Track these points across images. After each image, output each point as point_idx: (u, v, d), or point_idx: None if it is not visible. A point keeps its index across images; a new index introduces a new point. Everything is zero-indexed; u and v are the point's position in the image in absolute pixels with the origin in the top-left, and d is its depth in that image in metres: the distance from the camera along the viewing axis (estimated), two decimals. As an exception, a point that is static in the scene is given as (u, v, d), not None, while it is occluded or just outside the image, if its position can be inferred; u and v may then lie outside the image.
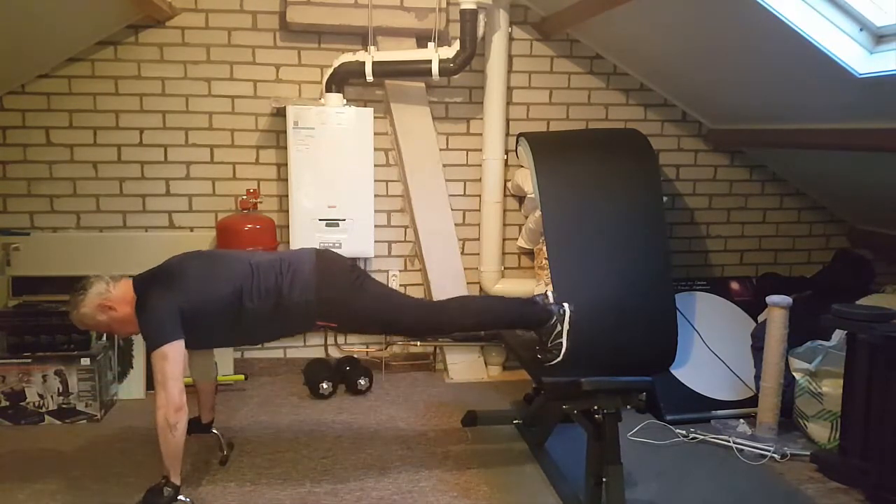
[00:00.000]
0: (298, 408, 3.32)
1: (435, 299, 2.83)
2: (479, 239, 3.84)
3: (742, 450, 2.90)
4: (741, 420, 3.18)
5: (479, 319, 2.70)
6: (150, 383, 3.41)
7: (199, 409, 2.74)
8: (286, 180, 3.45)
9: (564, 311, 2.58)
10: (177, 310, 2.27)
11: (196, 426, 2.70)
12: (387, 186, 3.75)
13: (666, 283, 3.27)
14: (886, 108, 2.70)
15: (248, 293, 2.35)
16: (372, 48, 3.44)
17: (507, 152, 3.74)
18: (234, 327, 2.40)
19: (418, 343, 3.78)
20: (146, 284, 2.36)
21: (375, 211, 3.52)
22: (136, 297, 2.34)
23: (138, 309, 2.32)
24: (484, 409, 3.17)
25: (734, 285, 3.82)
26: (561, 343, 2.57)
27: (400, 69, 3.50)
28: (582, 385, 2.31)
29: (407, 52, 3.50)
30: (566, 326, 2.57)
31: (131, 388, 3.40)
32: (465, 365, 3.78)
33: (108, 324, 2.40)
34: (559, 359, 2.57)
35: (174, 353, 2.24)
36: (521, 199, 3.82)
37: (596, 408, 2.32)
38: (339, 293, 2.43)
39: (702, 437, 3.01)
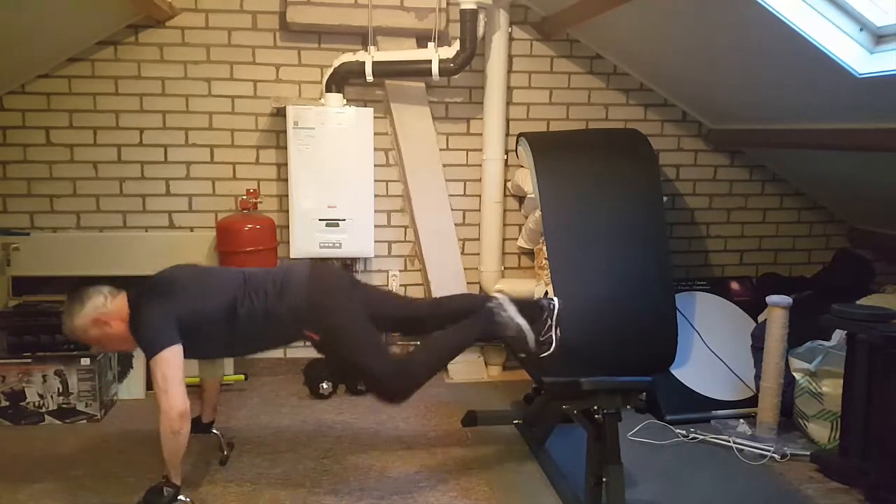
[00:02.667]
0: (298, 408, 3.32)
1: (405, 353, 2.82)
2: (479, 239, 3.84)
3: (742, 450, 2.90)
4: (741, 420, 3.18)
5: (443, 361, 2.71)
6: (151, 383, 3.42)
7: (201, 407, 2.75)
8: (286, 180, 3.45)
9: (554, 305, 2.67)
10: (173, 317, 2.26)
11: (196, 425, 2.69)
12: (387, 186, 3.75)
13: (666, 283, 3.27)
14: (886, 108, 2.70)
15: (240, 300, 2.35)
16: (372, 48, 3.44)
17: (507, 152, 3.74)
18: (228, 335, 2.40)
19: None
20: (140, 297, 2.34)
21: (375, 211, 3.52)
22: (130, 311, 2.32)
23: (133, 321, 2.30)
24: (484, 410, 3.17)
25: (734, 285, 3.82)
26: (551, 336, 2.65)
27: (400, 69, 3.50)
28: (582, 385, 2.32)
29: (407, 52, 3.50)
30: (555, 320, 2.66)
31: (131, 388, 3.40)
32: (465, 365, 3.78)
33: (99, 339, 2.37)
34: (551, 350, 2.64)
35: (173, 357, 2.22)
36: (521, 199, 3.82)
37: (596, 408, 2.32)
38: (327, 301, 2.40)
39: (702, 437, 3.01)
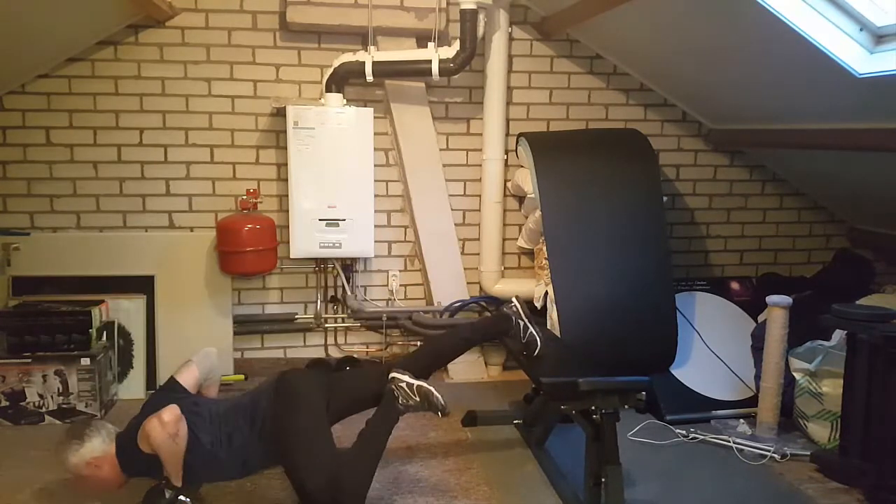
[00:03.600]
0: (298, 408, 3.31)
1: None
2: (479, 239, 3.84)
3: (742, 450, 2.90)
4: (741, 420, 3.18)
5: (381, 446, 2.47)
6: (151, 383, 3.43)
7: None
8: (286, 180, 3.45)
9: (516, 307, 2.71)
10: None
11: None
12: (387, 186, 3.75)
13: (666, 283, 3.27)
14: (886, 108, 2.70)
15: (218, 445, 2.33)
16: (372, 48, 3.44)
17: (507, 152, 3.74)
18: (209, 473, 2.39)
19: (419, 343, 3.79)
20: (127, 440, 2.33)
21: (375, 211, 3.52)
22: (117, 453, 2.31)
23: (120, 455, 2.30)
24: (484, 409, 3.17)
25: (734, 285, 3.82)
26: (532, 332, 2.69)
27: (400, 69, 3.50)
28: (579, 385, 2.32)
29: (407, 52, 3.50)
30: (525, 319, 2.69)
31: (131, 388, 3.40)
32: (465, 365, 3.77)
33: (87, 479, 2.35)
34: (540, 346, 2.68)
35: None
36: (521, 199, 3.82)
37: (594, 408, 2.32)
38: (283, 424, 2.35)
39: (702, 437, 3.01)
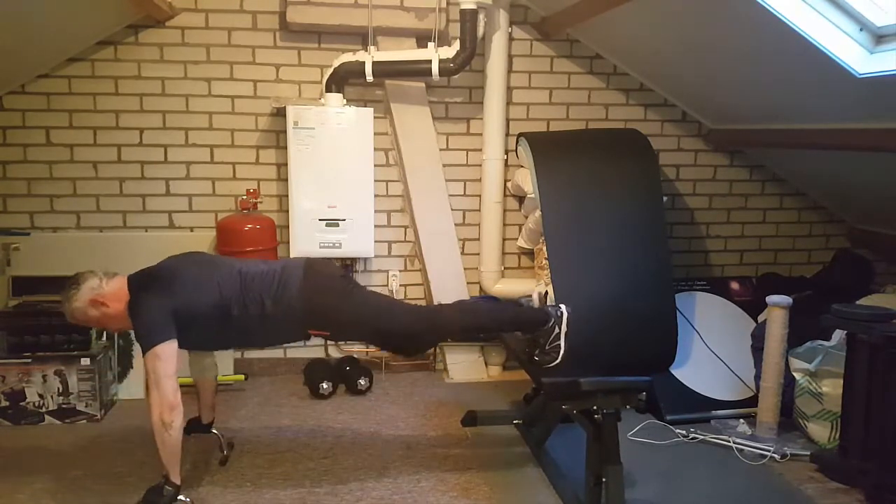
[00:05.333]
0: (298, 408, 3.32)
1: (432, 304, 2.79)
2: (479, 239, 3.84)
3: (742, 450, 2.90)
4: (741, 420, 3.18)
5: (475, 324, 2.67)
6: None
7: (199, 408, 2.75)
8: (286, 180, 3.45)
9: (562, 312, 2.56)
10: (170, 311, 2.27)
11: (196, 426, 2.71)
12: (387, 186, 3.75)
13: (666, 282, 3.27)
14: (886, 108, 2.70)
15: (236, 303, 2.35)
16: (372, 48, 3.44)
17: (507, 152, 3.74)
18: (223, 333, 2.42)
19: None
20: (140, 284, 2.35)
21: (375, 211, 3.52)
22: (130, 296, 2.33)
23: (131, 307, 2.32)
24: (484, 409, 3.17)
25: (734, 285, 3.82)
26: (559, 345, 2.55)
27: (400, 69, 3.50)
28: (581, 385, 2.32)
29: (407, 52, 3.50)
30: (564, 328, 2.55)
31: (131, 388, 3.40)
32: (465, 365, 3.78)
33: (98, 319, 2.39)
34: (557, 361, 2.55)
35: (167, 353, 2.23)
36: (521, 199, 3.82)
37: (595, 408, 2.32)
38: (328, 301, 2.42)
39: (702, 437, 3.01)
